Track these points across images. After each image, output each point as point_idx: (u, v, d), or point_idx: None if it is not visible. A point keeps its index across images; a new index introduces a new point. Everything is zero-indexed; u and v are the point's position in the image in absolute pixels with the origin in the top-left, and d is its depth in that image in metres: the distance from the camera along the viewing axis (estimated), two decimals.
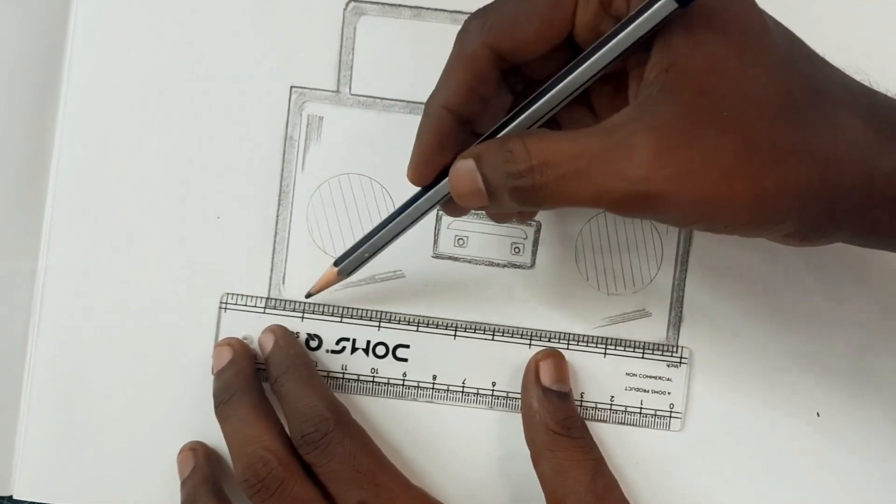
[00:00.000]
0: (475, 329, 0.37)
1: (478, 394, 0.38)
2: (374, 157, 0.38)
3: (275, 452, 0.34)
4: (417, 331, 0.38)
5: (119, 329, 0.38)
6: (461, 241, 0.38)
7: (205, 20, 0.38)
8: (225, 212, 0.38)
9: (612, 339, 0.37)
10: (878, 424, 0.37)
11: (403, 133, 0.38)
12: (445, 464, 0.38)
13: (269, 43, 0.38)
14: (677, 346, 0.37)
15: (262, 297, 0.38)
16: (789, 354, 0.37)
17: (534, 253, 0.38)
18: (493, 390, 0.37)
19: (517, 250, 0.38)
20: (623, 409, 0.37)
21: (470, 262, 0.38)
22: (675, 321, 0.37)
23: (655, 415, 0.37)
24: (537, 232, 0.38)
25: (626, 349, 0.37)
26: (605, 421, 0.37)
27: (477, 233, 0.38)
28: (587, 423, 0.37)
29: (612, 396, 0.37)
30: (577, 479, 0.35)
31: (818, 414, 0.37)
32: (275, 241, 0.38)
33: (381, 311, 0.38)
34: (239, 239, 0.38)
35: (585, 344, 0.37)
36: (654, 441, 0.37)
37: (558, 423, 0.36)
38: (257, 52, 0.38)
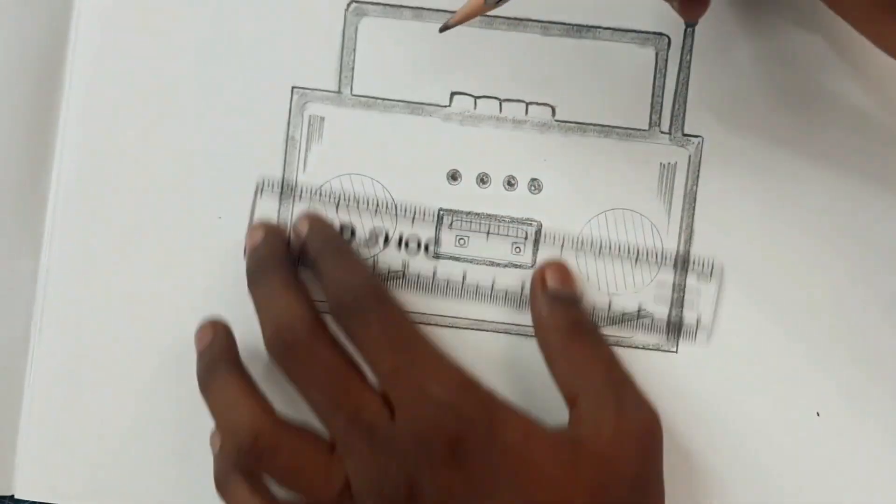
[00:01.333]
0: (507, 231, 0.37)
1: (516, 201, 0.37)
2: (376, 158, 0.38)
3: (303, 320, 0.34)
4: (450, 228, 0.38)
5: (121, 329, 0.38)
6: (461, 241, 0.38)
7: (206, 20, 0.38)
8: (226, 212, 0.38)
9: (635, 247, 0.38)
10: (879, 424, 0.37)
11: (405, 133, 0.38)
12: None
13: (270, 44, 0.38)
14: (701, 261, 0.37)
15: None
16: (789, 354, 0.37)
17: (534, 253, 0.38)
18: (531, 197, 0.38)
19: (517, 250, 0.38)
20: (650, 317, 0.37)
21: (470, 261, 0.38)
22: (676, 321, 0.38)
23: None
24: (537, 232, 0.38)
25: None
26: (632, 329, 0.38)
27: (477, 233, 0.38)
28: None
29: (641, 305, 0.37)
30: (593, 375, 0.35)
31: (818, 413, 0.37)
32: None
33: (416, 207, 0.38)
34: (240, 239, 0.38)
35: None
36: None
37: (569, 325, 0.36)
38: (259, 53, 0.38)
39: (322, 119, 0.38)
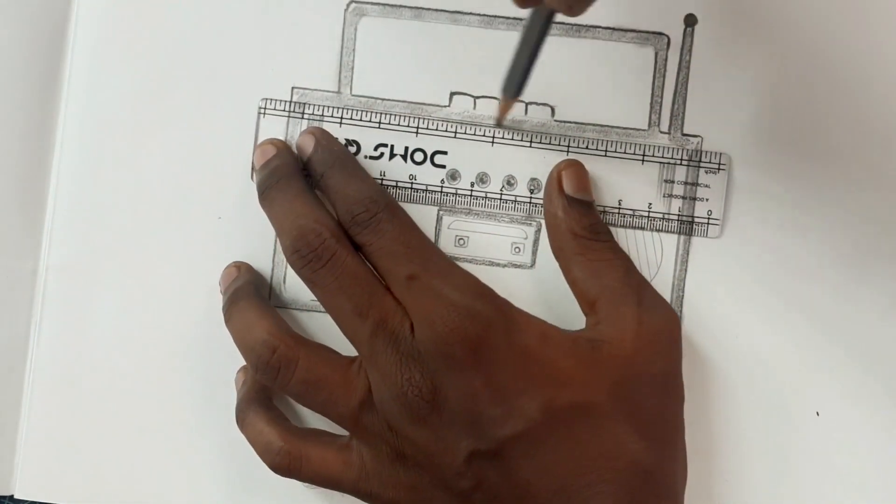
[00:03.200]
0: (512, 136, 0.37)
1: (516, 201, 0.38)
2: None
3: (326, 225, 0.34)
4: (455, 137, 0.37)
5: (120, 329, 0.38)
6: (461, 241, 0.38)
7: (206, 20, 0.38)
8: (226, 212, 0.38)
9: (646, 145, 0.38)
10: (879, 423, 0.37)
11: (404, 133, 0.38)
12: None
13: (270, 44, 0.38)
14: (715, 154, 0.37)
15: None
16: (789, 353, 0.37)
17: (534, 253, 0.38)
18: (530, 197, 0.37)
19: (517, 250, 0.38)
20: (661, 215, 0.37)
21: (470, 261, 0.38)
22: (675, 310, 0.37)
23: (693, 221, 0.37)
24: (537, 232, 0.38)
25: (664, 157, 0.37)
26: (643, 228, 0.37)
27: (477, 233, 0.38)
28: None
29: (650, 203, 0.37)
30: (611, 277, 0.35)
31: (818, 413, 0.37)
32: (276, 242, 0.38)
33: (420, 118, 0.38)
34: (240, 239, 0.38)
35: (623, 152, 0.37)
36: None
37: (585, 229, 0.36)
38: (259, 52, 0.38)
39: (322, 119, 0.38)
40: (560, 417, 0.32)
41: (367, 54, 0.38)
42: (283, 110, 0.38)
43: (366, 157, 0.38)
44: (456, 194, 0.38)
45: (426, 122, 0.38)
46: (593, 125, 0.38)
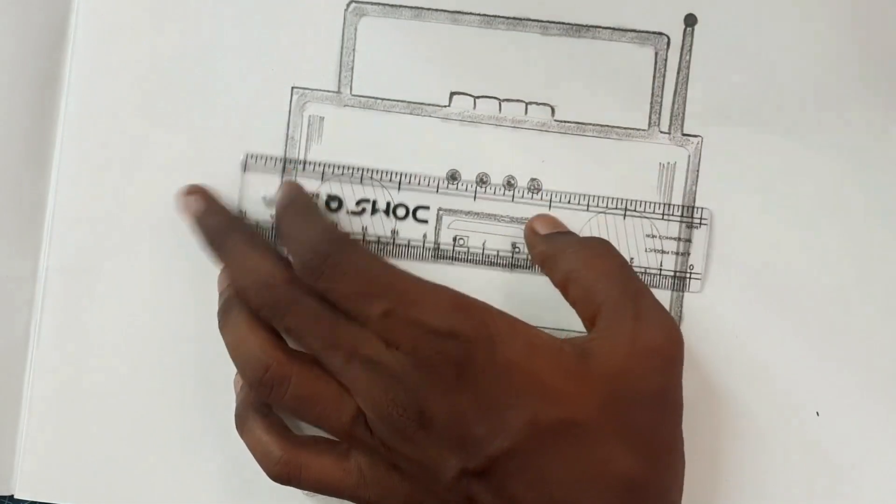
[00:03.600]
0: (495, 191, 0.37)
1: (498, 255, 0.38)
2: (376, 158, 0.38)
3: (279, 276, 0.34)
4: (437, 192, 0.37)
5: (120, 330, 0.38)
6: (461, 241, 0.38)
7: (206, 20, 0.38)
8: None
9: (630, 200, 0.38)
10: (879, 424, 0.37)
11: (404, 133, 0.38)
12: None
13: (270, 44, 0.38)
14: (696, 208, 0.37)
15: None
16: (789, 353, 0.37)
17: None
18: (512, 252, 0.38)
19: (517, 250, 0.38)
20: (643, 270, 0.37)
21: (469, 261, 0.38)
22: (676, 321, 0.37)
23: (675, 276, 0.37)
24: None
25: (646, 212, 0.37)
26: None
27: (477, 233, 0.38)
28: None
29: (632, 258, 0.37)
30: (610, 287, 0.34)
31: (818, 413, 0.37)
32: (276, 242, 0.38)
33: (402, 173, 0.38)
34: None
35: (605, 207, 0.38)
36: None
37: (576, 245, 0.36)
38: (258, 52, 0.38)
39: (322, 119, 0.38)
40: (547, 433, 0.32)
41: (368, 54, 0.38)
42: (269, 166, 0.38)
43: (348, 212, 0.38)
44: (456, 194, 0.38)
45: (408, 177, 0.38)
46: (593, 125, 0.38)
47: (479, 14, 0.38)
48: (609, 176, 0.38)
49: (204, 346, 0.38)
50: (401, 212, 0.38)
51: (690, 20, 0.37)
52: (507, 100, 0.38)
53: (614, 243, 0.37)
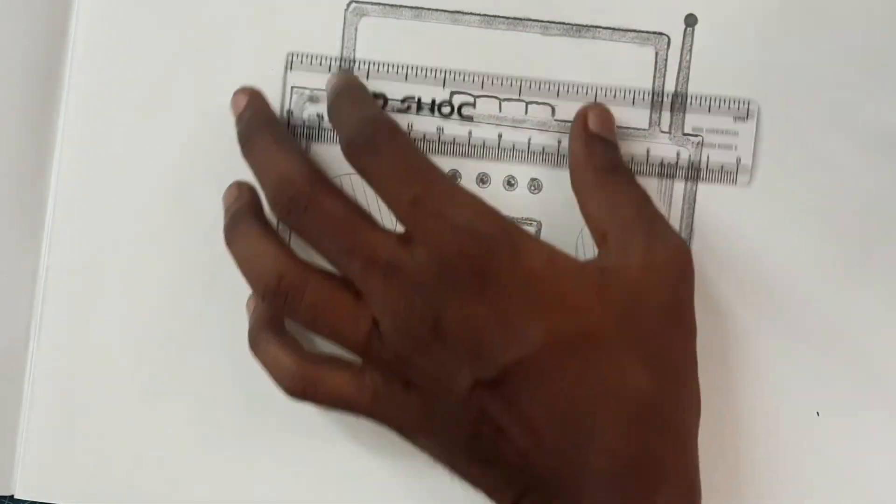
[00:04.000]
0: (538, 87, 0.37)
1: (543, 151, 0.37)
2: None
3: (300, 171, 0.34)
4: (482, 89, 0.37)
5: (121, 329, 0.38)
6: None
7: (205, 21, 0.38)
8: None
9: None
10: (879, 423, 0.37)
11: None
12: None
13: (270, 44, 0.38)
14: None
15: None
16: (789, 353, 0.37)
17: None
18: (558, 147, 0.37)
19: None
20: (688, 163, 0.37)
21: None
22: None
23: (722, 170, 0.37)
24: (537, 231, 0.38)
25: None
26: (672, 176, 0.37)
27: None
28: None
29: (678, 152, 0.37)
30: (625, 209, 0.35)
31: (818, 413, 0.37)
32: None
33: (447, 70, 0.37)
34: None
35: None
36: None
37: (605, 163, 0.36)
38: (258, 53, 0.38)
39: (322, 118, 0.38)
40: (564, 345, 0.32)
41: (368, 54, 0.38)
42: (315, 64, 0.38)
43: (392, 109, 0.38)
44: None
45: (454, 74, 0.37)
46: None
47: (479, 14, 0.38)
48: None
49: (204, 346, 0.38)
50: (446, 109, 0.37)
51: (691, 20, 0.37)
52: (507, 99, 0.38)
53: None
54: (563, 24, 0.38)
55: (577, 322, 0.32)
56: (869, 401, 0.37)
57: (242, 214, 0.36)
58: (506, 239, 0.33)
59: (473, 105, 0.38)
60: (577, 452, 0.32)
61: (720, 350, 0.37)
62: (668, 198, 0.37)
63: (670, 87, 0.37)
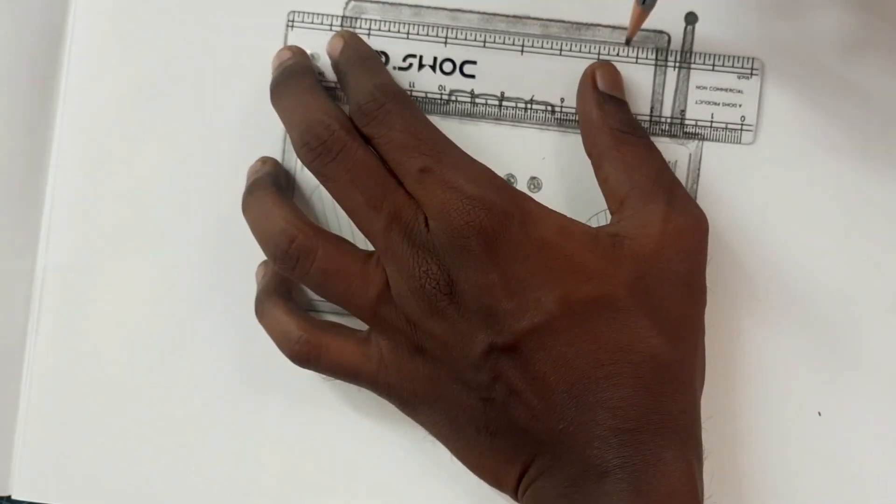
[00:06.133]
0: (542, 44, 0.37)
1: (545, 110, 0.37)
2: None
3: (336, 118, 0.34)
4: (484, 46, 0.37)
5: (118, 328, 0.38)
6: None
7: (204, 19, 0.38)
8: (225, 210, 0.38)
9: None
10: (880, 423, 0.37)
11: None
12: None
13: (269, 45, 0.38)
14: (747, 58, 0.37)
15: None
16: (790, 353, 0.37)
17: None
18: (561, 106, 0.37)
19: None
20: (693, 122, 0.37)
21: None
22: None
23: (727, 128, 0.37)
24: None
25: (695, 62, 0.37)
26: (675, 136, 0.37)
27: None
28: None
29: (683, 110, 0.37)
30: (643, 174, 0.35)
31: (819, 413, 0.37)
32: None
33: (448, 27, 0.37)
34: (240, 238, 0.38)
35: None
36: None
37: (621, 123, 0.35)
38: (258, 51, 0.38)
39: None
40: (577, 311, 0.32)
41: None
42: (317, 23, 0.38)
43: (394, 68, 0.38)
44: None
45: (455, 31, 0.37)
46: None
47: (478, 12, 0.38)
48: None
49: (204, 345, 0.38)
50: (447, 67, 0.37)
51: (691, 18, 0.37)
52: (508, 98, 0.38)
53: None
54: (564, 21, 0.37)
55: (590, 288, 0.32)
56: (870, 401, 0.37)
57: (261, 182, 0.36)
58: (516, 208, 0.33)
59: (475, 63, 0.38)
60: (588, 412, 0.32)
61: (722, 351, 0.37)
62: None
63: (671, 85, 0.37)
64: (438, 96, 0.38)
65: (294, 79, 0.36)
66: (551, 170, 0.38)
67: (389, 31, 0.38)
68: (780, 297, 0.37)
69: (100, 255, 0.38)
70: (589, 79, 0.36)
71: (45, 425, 0.38)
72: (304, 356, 0.35)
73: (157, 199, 0.38)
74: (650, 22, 0.37)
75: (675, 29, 0.37)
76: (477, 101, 0.38)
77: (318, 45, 0.38)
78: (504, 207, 0.32)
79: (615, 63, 0.37)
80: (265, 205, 0.35)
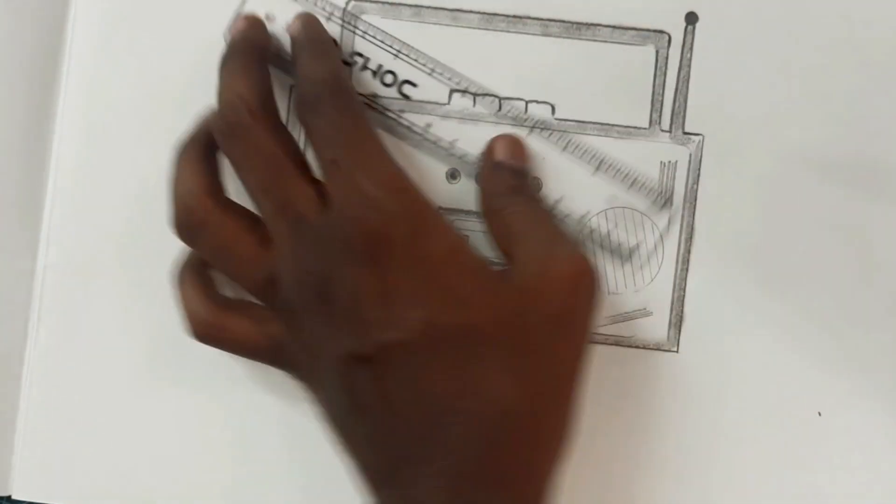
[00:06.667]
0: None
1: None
2: None
3: (247, 101, 0.34)
4: (431, 75, 0.37)
5: (118, 328, 0.38)
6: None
7: (204, 19, 0.38)
8: None
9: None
10: (880, 423, 0.37)
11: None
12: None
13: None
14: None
15: None
16: (791, 353, 0.37)
17: None
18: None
19: None
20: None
21: None
22: (677, 321, 0.37)
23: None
24: None
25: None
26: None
27: (476, 231, 0.38)
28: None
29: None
30: (529, 228, 0.35)
31: (819, 413, 0.37)
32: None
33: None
34: None
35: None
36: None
37: (509, 188, 0.36)
38: None
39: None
40: (439, 336, 0.31)
41: (367, 53, 0.38)
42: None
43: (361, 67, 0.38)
44: (456, 193, 0.38)
45: (407, 49, 0.37)
46: (594, 123, 0.37)
47: (478, 12, 0.38)
48: (610, 175, 0.37)
49: (202, 347, 0.38)
50: (388, 79, 0.37)
51: (692, 18, 0.37)
52: (507, 98, 0.38)
53: (616, 243, 0.37)
54: (564, 21, 0.37)
55: (459, 315, 0.32)
56: (871, 401, 0.37)
57: (194, 139, 0.36)
58: (410, 217, 0.32)
59: (473, 105, 0.38)
60: (425, 447, 0.31)
61: (722, 351, 0.37)
62: (669, 188, 0.37)
63: (671, 85, 0.37)
64: (395, 115, 0.38)
65: (232, 57, 0.35)
66: (551, 170, 0.38)
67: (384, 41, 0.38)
68: (779, 297, 0.37)
69: (100, 254, 0.38)
70: (487, 150, 0.37)
71: (45, 425, 0.38)
72: (205, 336, 0.35)
73: (157, 198, 0.38)
74: (650, 22, 0.37)
75: (676, 29, 0.37)
76: (477, 101, 0.37)
77: (277, 7, 0.37)
78: (396, 212, 0.32)
79: (615, 63, 0.37)
80: (181, 167, 0.35)
